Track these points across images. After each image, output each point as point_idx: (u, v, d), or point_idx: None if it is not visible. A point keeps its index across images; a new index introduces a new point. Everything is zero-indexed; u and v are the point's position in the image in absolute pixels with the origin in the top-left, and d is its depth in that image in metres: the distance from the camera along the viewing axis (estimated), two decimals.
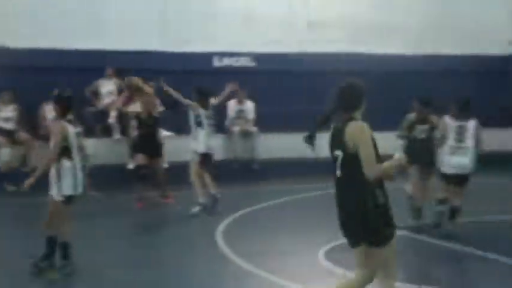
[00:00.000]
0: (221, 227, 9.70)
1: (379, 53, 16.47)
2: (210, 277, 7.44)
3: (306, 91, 15.35)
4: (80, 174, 7.27)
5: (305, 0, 16.59)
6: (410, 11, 17.08)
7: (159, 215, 11.48)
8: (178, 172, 11.67)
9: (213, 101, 11.16)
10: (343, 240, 5.22)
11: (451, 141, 8.87)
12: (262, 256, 8.13)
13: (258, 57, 16.11)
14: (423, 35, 17.09)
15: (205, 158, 10.92)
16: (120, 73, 14.26)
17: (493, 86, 16.90)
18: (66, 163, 7.15)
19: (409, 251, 8.16)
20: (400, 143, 9.45)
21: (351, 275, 5.27)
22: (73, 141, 7.22)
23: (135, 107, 12.40)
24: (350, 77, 5.12)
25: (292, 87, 15.87)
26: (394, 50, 16.59)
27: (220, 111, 12.76)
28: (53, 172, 7.18)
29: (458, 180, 8.91)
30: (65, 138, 7.17)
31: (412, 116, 9.46)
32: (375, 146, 4.87)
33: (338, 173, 4.97)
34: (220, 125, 13.35)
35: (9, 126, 13.90)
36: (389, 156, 4.95)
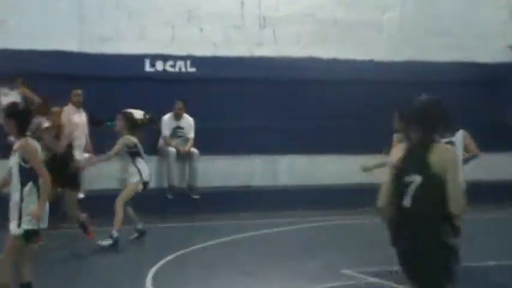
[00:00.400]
0: (154, 270, 9.28)
1: (342, 58, 15.88)
2: None
3: (259, 102, 14.92)
4: None
5: None
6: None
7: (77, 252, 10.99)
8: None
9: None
10: None
11: None
12: None
13: (197, 61, 15.44)
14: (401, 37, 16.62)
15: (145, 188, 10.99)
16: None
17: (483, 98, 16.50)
18: None
19: None
20: None
21: None
22: None
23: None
24: (426, 92, 5.23)
25: (241, 97, 15.08)
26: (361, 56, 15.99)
27: (152, 129, 12.59)
28: None
29: None
30: None
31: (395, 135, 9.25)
32: None
33: (407, 202, 5.01)
34: (151, 145, 13.10)
35: None
36: None
